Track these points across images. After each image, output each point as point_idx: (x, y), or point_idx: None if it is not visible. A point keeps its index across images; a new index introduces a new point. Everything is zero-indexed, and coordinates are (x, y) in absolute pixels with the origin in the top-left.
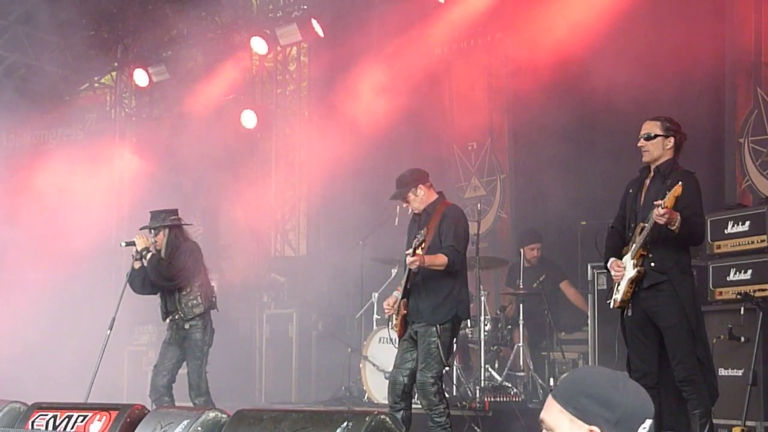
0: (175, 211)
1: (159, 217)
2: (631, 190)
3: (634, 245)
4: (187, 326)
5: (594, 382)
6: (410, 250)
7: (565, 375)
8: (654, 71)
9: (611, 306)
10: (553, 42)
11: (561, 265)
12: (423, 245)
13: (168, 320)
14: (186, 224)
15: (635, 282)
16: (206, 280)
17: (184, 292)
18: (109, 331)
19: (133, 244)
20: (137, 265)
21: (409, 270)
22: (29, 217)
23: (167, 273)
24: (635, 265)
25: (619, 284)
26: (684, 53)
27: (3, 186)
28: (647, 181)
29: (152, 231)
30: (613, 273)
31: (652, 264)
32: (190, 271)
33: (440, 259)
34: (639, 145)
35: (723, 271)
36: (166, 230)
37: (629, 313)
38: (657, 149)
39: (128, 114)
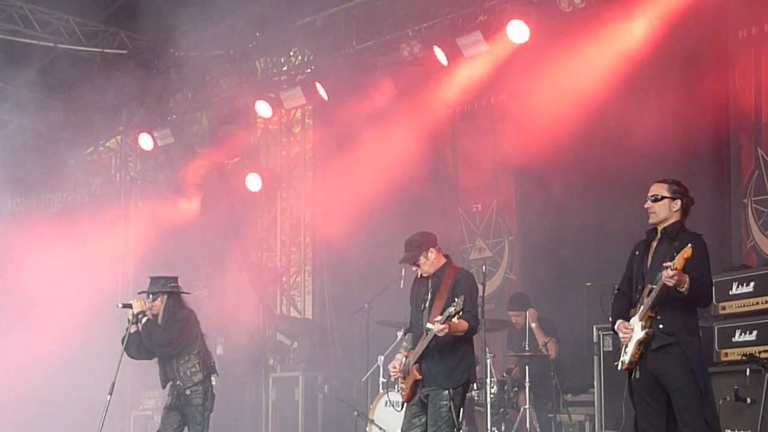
0: (175, 279)
1: (159, 282)
2: (637, 252)
3: (642, 307)
4: (188, 392)
5: None
6: (440, 317)
7: None
8: (659, 134)
9: (619, 368)
10: (557, 105)
11: (554, 323)
12: (459, 314)
13: (168, 386)
14: (184, 292)
15: (643, 344)
16: (204, 347)
17: (182, 360)
18: (109, 396)
19: (130, 306)
20: (133, 329)
21: (435, 336)
22: (33, 281)
23: (162, 340)
24: (643, 327)
25: (626, 346)
26: (688, 116)
27: (8, 250)
28: (654, 243)
29: (150, 296)
30: (621, 335)
31: (661, 326)
32: (185, 339)
33: (462, 326)
34: (646, 206)
35: (728, 332)
36: (165, 296)
37: (637, 376)
38: (664, 211)
39: (133, 178)
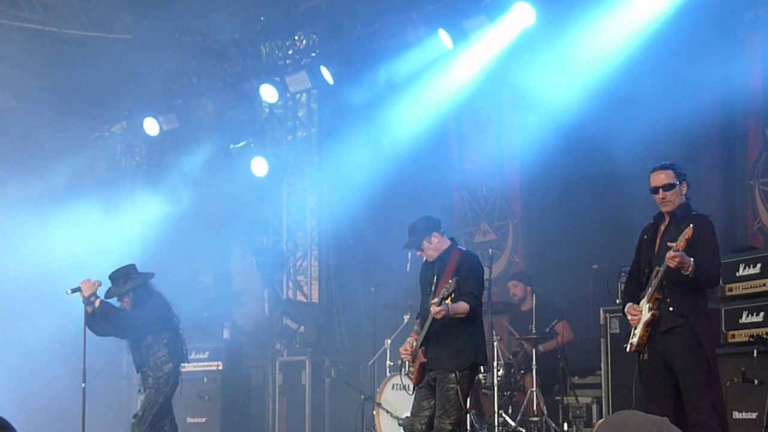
0: (132, 269)
1: (119, 281)
2: (645, 236)
3: (649, 289)
4: (150, 380)
5: (636, 427)
6: (437, 300)
7: (602, 421)
8: (664, 116)
9: (627, 350)
10: (562, 88)
11: (560, 306)
12: (452, 296)
13: (139, 373)
14: (146, 273)
15: (650, 325)
16: (175, 334)
17: (151, 350)
18: (83, 384)
19: (78, 290)
20: (89, 309)
21: (432, 318)
22: (39, 266)
23: (121, 322)
24: (650, 309)
25: (635, 328)
26: (694, 98)
27: (13, 234)
28: (662, 227)
29: (119, 299)
30: (629, 317)
31: (671, 308)
32: (149, 324)
33: (462, 307)
34: (660, 197)
35: (735, 313)
36: (130, 294)
37: (645, 357)
38: (677, 198)
39: (138, 163)
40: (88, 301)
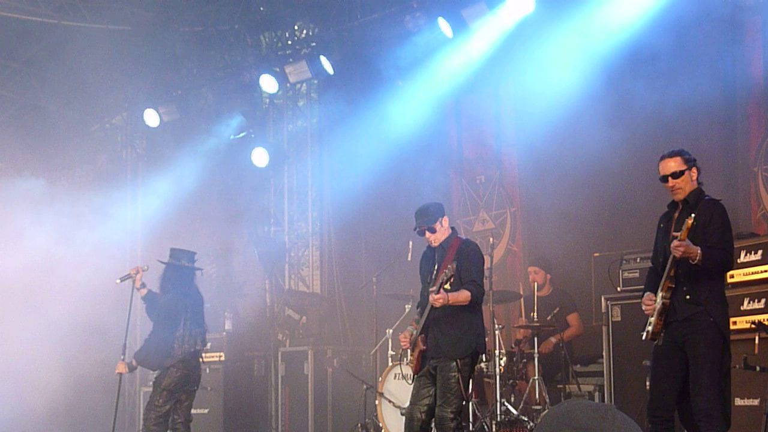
0: (182, 255)
1: (171, 256)
2: (662, 225)
3: (663, 278)
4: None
5: (580, 415)
6: (435, 287)
7: (545, 412)
8: (665, 103)
9: (643, 338)
10: (562, 76)
11: (574, 297)
12: (451, 281)
13: None
14: (189, 267)
15: (662, 313)
16: (187, 330)
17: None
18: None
19: (129, 277)
20: (144, 292)
21: (431, 306)
22: (41, 259)
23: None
24: (662, 297)
25: (650, 317)
26: (695, 84)
27: (16, 227)
28: (676, 215)
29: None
30: (644, 307)
31: (687, 296)
32: (165, 317)
33: (463, 295)
34: (669, 185)
35: (736, 300)
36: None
37: (659, 343)
38: (687, 185)
39: (139, 154)
40: (141, 284)
